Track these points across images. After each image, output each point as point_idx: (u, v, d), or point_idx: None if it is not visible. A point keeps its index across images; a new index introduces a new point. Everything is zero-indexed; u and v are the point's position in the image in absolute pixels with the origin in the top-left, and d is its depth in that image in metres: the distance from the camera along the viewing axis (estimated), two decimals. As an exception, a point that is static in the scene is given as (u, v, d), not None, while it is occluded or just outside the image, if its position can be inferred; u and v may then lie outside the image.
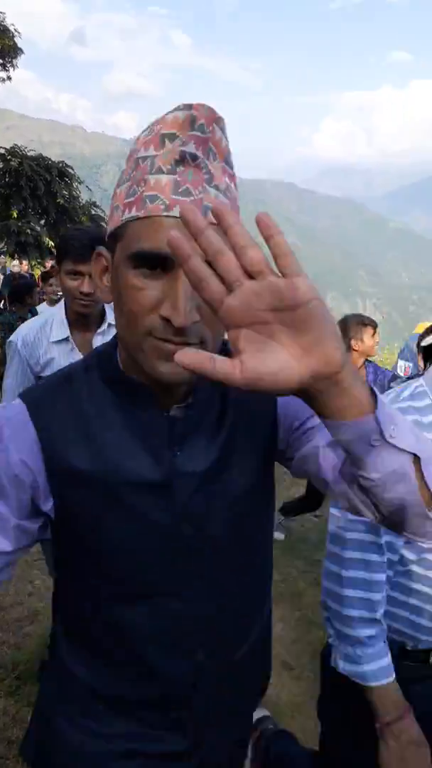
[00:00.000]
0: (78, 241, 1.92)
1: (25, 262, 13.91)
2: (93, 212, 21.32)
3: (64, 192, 20.08)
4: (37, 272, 15.25)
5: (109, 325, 2.14)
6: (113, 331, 2.17)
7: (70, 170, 20.88)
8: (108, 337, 2.08)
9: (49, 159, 20.49)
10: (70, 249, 1.94)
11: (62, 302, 2.12)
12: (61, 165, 20.58)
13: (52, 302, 5.55)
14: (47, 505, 0.83)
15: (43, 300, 6.07)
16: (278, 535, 4.19)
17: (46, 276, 6.33)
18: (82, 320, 2.08)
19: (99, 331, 2.13)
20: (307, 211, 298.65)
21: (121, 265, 0.72)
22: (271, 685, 2.58)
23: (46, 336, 2.07)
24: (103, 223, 21.52)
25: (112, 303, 0.79)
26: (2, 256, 19.67)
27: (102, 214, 22.06)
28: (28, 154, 20.07)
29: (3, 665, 2.55)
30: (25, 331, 2.09)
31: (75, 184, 21.32)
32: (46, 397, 0.84)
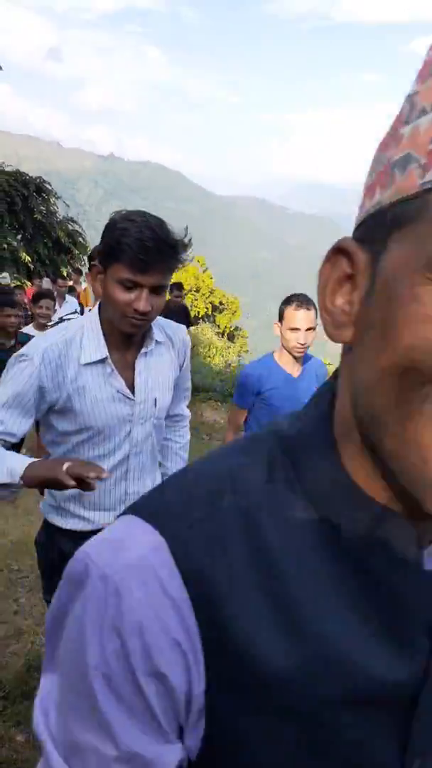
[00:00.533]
0: (151, 243, 1.42)
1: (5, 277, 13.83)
2: (71, 227, 21.27)
3: (42, 207, 20.02)
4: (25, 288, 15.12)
5: (157, 342, 1.71)
6: (163, 350, 1.73)
7: (47, 186, 20.83)
8: (157, 358, 1.72)
9: (27, 174, 20.43)
10: (134, 252, 1.42)
11: (93, 312, 1.66)
12: (38, 180, 20.54)
13: (42, 327, 5.31)
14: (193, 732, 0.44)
15: (29, 323, 5.83)
16: None
17: (38, 297, 5.88)
18: (126, 338, 1.62)
19: (144, 351, 1.68)
20: (278, 227, 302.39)
21: (408, 270, 0.35)
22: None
23: (75, 356, 1.56)
24: (80, 239, 21.52)
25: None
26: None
27: (79, 230, 22.05)
28: (5, 169, 20.00)
29: (-11, 685, 2.53)
30: (45, 344, 1.55)
31: (52, 200, 21.28)
32: (203, 526, 0.44)
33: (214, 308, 32.15)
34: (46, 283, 9.13)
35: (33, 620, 3.09)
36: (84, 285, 12.48)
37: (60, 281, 10.28)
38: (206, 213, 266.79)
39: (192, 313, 32.91)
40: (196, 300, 32.58)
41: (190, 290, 33.06)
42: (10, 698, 2.46)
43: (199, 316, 32.44)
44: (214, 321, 31.34)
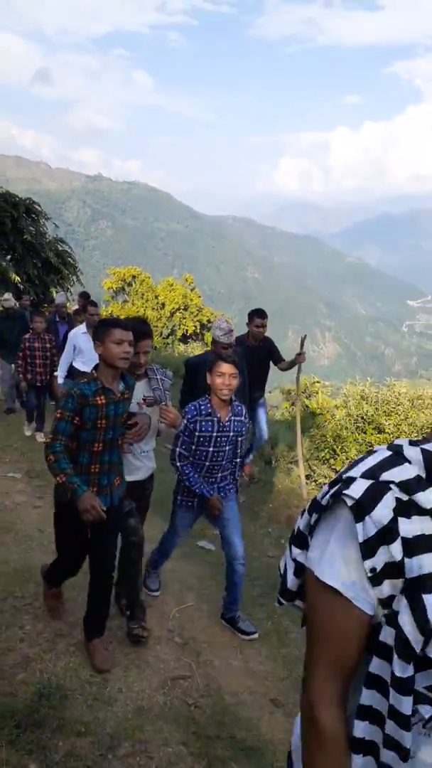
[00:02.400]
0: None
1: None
2: (60, 248, 21.37)
3: (31, 228, 20.11)
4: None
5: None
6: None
7: (37, 207, 20.96)
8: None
9: (17, 196, 20.55)
10: None
11: None
12: (28, 201, 20.66)
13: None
14: None
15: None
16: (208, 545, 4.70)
17: (86, 305, 7.25)
18: None
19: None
20: (266, 247, 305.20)
21: None
22: (264, 723, 2.66)
23: None
24: (70, 259, 21.61)
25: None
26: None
27: (68, 250, 22.14)
28: (-5, 191, 20.09)
29: (0, 714, 2.55)
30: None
31: (42, 221, 21.39)
32: None
33: (203, 326, 32.36)
34: (60, 297, 9.34)
35: (39, 648, 3.11)
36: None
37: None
38: (194, 232, 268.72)
39: (180, 332, 32.94)
40: (185, 318, 32.80)
41: (179, 308, 33.30)
42: (22, 726, 2.49)
43: (188, 334, 32.67)
44: (203, 339, 31.52)
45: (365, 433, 7.88)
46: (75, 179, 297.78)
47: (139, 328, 3.12)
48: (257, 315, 5.94)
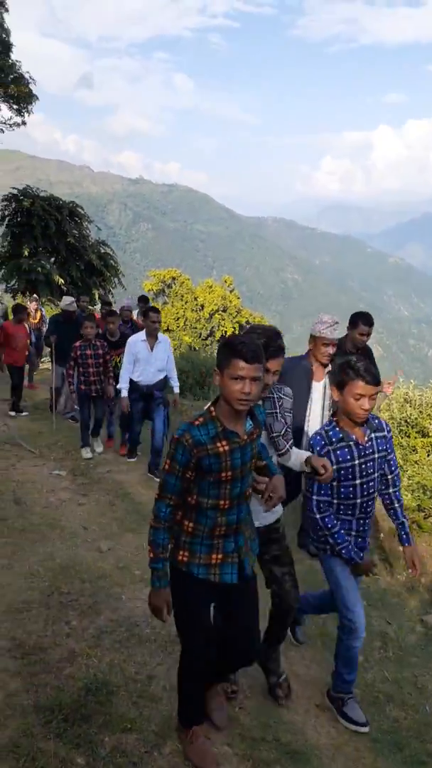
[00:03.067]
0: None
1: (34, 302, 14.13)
2: (102, 250, 21.68)
3: (74, 231, 20.46)
4: (49, 310, 15.45)
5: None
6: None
7: (80, 210, 21.32)
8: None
9: (60, 199, 20.95)
10: None
11: None
12: (71, 205, 21.03)
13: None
14: None
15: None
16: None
17: (147, 311, 6.75)
18: None
19: None
20: (306, 248, 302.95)
21: None
22: (310, 727, 2.63)
23: None
24: (111, 261, 21.89)
25: None
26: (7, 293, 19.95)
27: (111, 252, 22.42)
28: (40, 194, 20.54)
29: (48, 707, 2.60)
30: None
31: (85, 224, 21.73)
32: None
33: (241, 327, 32.35)
34: (126, 301, 9.11)
35: (85, 644, 3.16)
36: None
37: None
38: (234, 234, 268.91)
39: (219, 333, 33.02)
40: (224, 320, 32.87)
41: (218, 310, 33.38)
42: (69, 720, 2.53)
43: (227, 335, 32.72)
44: (242, 341, 31.52)
45: (408, 437, 7.71)
46: (116, 182, 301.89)
47: (273, 343, 2.58)
48: (363, 320, 4.96)
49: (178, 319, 31.87)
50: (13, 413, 8.71)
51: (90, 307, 13.38)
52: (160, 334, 6.30)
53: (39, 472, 6.23)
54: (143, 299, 9.61)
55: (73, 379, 6.85)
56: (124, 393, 6.33)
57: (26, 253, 19.06)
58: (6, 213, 19.67)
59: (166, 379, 6.50)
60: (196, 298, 33.63)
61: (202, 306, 33.37)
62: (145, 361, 6.22)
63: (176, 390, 6.65)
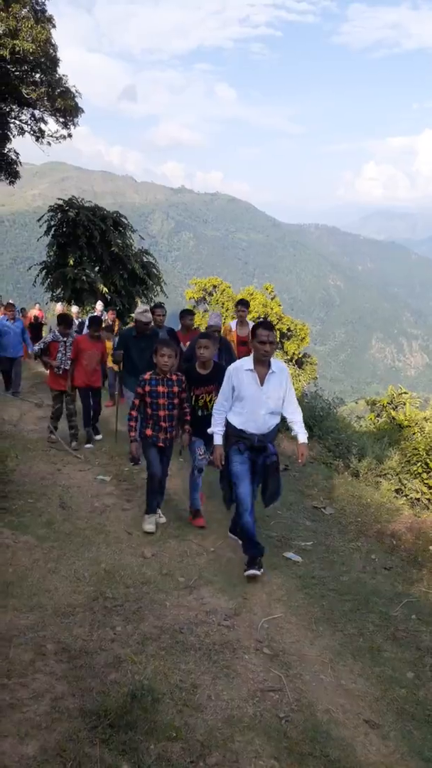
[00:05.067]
0: None
1: (75, 309, 14.47)
2: (145, 259, 21.94)
3: (118, 240, 20.79)
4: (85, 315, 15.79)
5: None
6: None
7: (124, 220, 21.66)
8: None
9: (105, 209, 21.33)
10: None
11: None
12: (115, 215, 21.38)
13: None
14: None
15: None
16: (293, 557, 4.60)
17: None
18: None
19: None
20: (349, 255, 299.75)
21: None
22: (358, 743, 2.55)
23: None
24: (154, 270, 22.14)
25: None
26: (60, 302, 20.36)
27: (153, 261, 22.66)
28: (85, 205, 20.96)
29: (94, 712, 2.59)
30: None
31: (128, 233, 22.06)
32: None
33: (282, 335, 32.16)
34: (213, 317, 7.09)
35: (130, 649, 3.15)
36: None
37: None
38: (276, 241, 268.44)
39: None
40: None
41: (259, 317, 33.30)
42: (115, 726, 2.52)
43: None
44: (283, 348, 31.36)
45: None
46: (159, 192, 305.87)
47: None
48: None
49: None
50: (89, 445, 7.58)
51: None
52: (274, 361, 4.31)
53: (84, 477, 6.30)
54: (188, 313, 7.85)
55: (136, 423, 4.97)
56: (218, 439, 4.44)
57: (71, 262, 19.47)
58: (52, 223, 20.15)
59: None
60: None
61: (243, 314, 33.29)
62: (253, 400, 4.27)
63: (303, 438, 4.39)
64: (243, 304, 8.01)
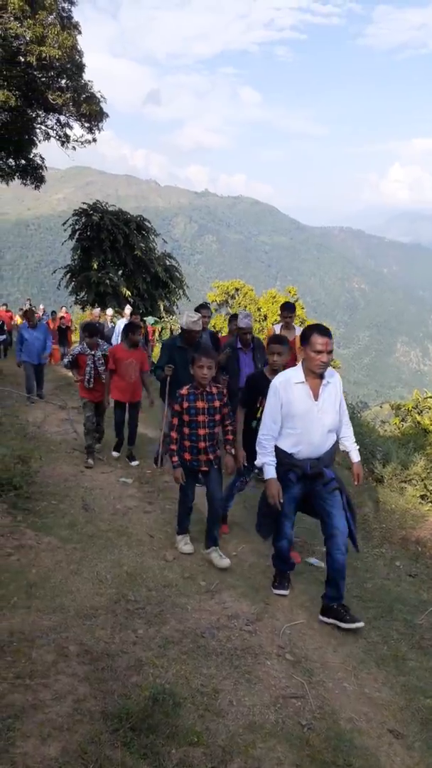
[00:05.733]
0: None
1: (110, 312, 14.46)
2: (168, 263, 22.05)
3: (141, 244, 20.94)
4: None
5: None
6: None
7: (147, 224, 21.81)
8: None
9: (128, 213, 21.50)
10: None
11: None
12: (139, 219, 21.55)
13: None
14: None
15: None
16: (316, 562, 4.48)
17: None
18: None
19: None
20: (374, 257, 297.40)
21: None
22: (383, 753, 2.51)
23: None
24: (176, 273, 22.22)
25: None
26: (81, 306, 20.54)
27: (176, 264, 22.75)
28: (109, 209, 21.14)
29: (116, 715, 2.59)
30: None
31: (151, 237, 22.19)
32: None
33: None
34: (243, 316, 6.30)
35: (152, 653, 3.15)
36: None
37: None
38: (299, 244, 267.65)
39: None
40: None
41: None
42: (137, 730, 2.51)
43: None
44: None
45: None
46: (182, 196, 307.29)
47: None
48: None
49: (241, 329, 32.01)
50: (116, 453, 7.21)
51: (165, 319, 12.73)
52: (328, 370, 3.66)
53: (107, 480, 6.33)
54: (204, 306, 7.58)
55: (176, 446, 4.39)
56: (272, 471, 3.72)
57: (95, 266, 19.66)
58: (77, 227, 20.38)
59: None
60: (259, 309, 33.62)
61: (266, 316, 33.32)
62: (307, 418, 3.61)
63: (357, 457, 3.90)
64: (288, 309, 7.41)
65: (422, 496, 6.14)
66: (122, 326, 10.75)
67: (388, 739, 2.72)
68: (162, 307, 22.09)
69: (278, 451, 3.71)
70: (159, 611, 3.62)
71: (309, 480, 3.68)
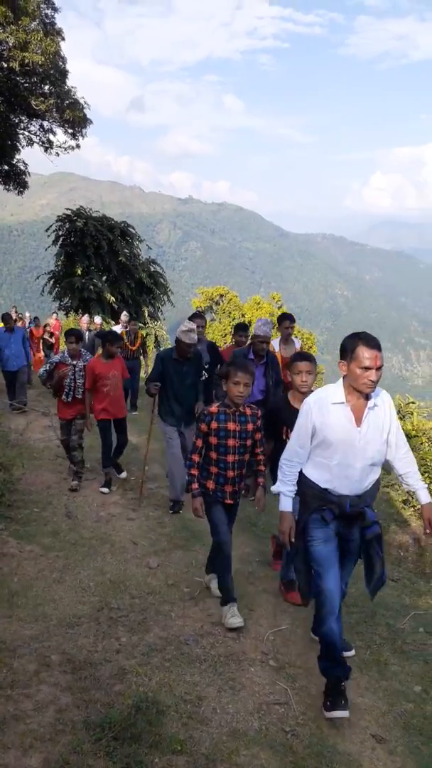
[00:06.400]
0: None
1: (89, 320, 14.27)
2: (152, 269, 22.02)
3: (126, 250, 20.87)
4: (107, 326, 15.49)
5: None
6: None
7: (131, 230, 21.76)
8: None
9: (112, 219, 21.45)
10: None
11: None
12: (123, 225, 21.49)
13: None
14: None
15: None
16: None
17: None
18: None
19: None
20: (357, 264, 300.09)
21: None
22: (365, 758, 2.52)
23: None
24: (161, 279, 22.21)
25: None
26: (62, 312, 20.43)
27: (160, 270, 22.75)
28: (93, 215, 21.08)
29: (98, 724, 2.57)
30: None
31: (135, 243, 22.15)
32: None
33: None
34: (262, 324, 5.74)
35: (135, 661, 3.13)
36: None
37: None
38: (282, 251, 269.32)
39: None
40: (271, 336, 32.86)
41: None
42: (119, 739, 2.50)
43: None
44: (290, 357, 31.46)
45: None
46: (166, 202, 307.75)
47: None
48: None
49: (225, 335, 32.01)
50: (105, 490, 6.19)
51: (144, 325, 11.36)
52: (377, 389, 2.92)
53: (90, 486, 6.29)
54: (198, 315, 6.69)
55: (198, 471, 3.76)
56: (288, 504, 3.18)
57: (79, 271, 19.56)
58: (60, 233, 20.26)
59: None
60: (243, 315, 33.77)
61: (250, 322, 33.45)
62: (347, 448, 2.93)
63: (425, 498, 3.07)
64: (289, 319, 6.57)
65: (404, 501, 6.19)
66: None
67: (371, 744, 2.73)
68: (146, 313, 22.04)
69: (310, 483, 3.07)
70: (142, 619, 3.61)
71: (347, 520, 3.03)
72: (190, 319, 6.14)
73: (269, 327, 5.60)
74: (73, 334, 6.22)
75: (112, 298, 19.81)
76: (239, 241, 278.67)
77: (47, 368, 6.31)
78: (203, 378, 5.95)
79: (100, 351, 7.39)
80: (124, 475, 6.75)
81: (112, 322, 18.03)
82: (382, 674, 3.29)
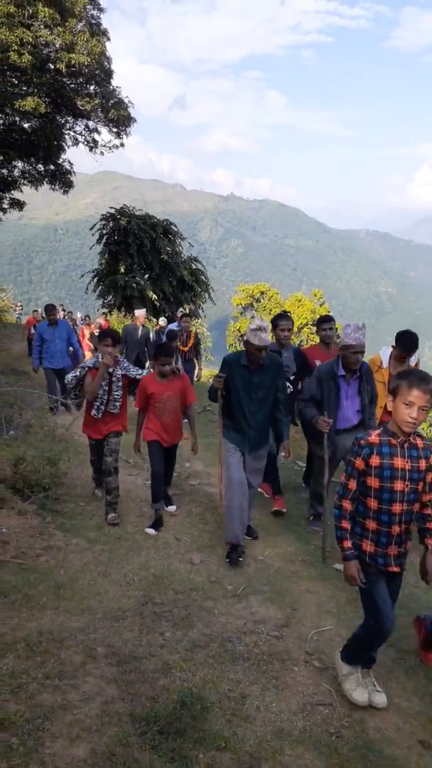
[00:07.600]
0: None
1: (164, 321, 14.04)
2: (194, 266, 22.10)
3: (168, 248, 21.01)
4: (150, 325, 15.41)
5: None
6: None
7: (173, 228, 21.89)
8: None
9: (155, 217, 21.63)
10: None
11: None
12: (165, 223, 21.64)
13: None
14: None
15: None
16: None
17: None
18: None
19: None
20: (401, 260, 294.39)
21: None
22: (412, 764, 2.47)
23: None
24: (202, 277, 22.28)
25: None
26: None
27: (201, 268, 22.82)
28: (136, 213, 21.30)
29: (144, 717, 2.60)
30: None
31: (177, 240, 22.27)
32: None
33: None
34: (353, 331, 4.95)
35: (179, 656, 3.15)
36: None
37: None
38: (325, 247, 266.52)
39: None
40: (313, 334, 32.52)
41: (306, 324, 33.03)
42: (164, 733, 2.52)
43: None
44: (332, 355, 31.06)
45: None
46: (208, 200, 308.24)
47: None
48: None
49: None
50: (152, 531, 5.00)
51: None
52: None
53: (133, 482, 6.37)
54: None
55: (349, 524, 2.92)
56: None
57: (122, 269, 19.79)
58: (104, 232, 20.55)
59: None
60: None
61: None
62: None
63: None
64: (327, 321, 5.82)
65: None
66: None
67: (418, 750, 2.67)
68: (188, 311, 22.17)
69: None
70: (186, 614, 3.63)
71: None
72: (276, 318, 5.47)
73: (362, 333, 4.57)
74: (110, 336, 5.13)
75: (154, 296, 19.98)
76: (280, 237, 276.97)
77: (77, 374, 5.26)
78: (289, 390, 5.18)
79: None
80: (172, 509, 5.63)
81: (154, 320, 18.18)
82: (429, 679, 3.22)
